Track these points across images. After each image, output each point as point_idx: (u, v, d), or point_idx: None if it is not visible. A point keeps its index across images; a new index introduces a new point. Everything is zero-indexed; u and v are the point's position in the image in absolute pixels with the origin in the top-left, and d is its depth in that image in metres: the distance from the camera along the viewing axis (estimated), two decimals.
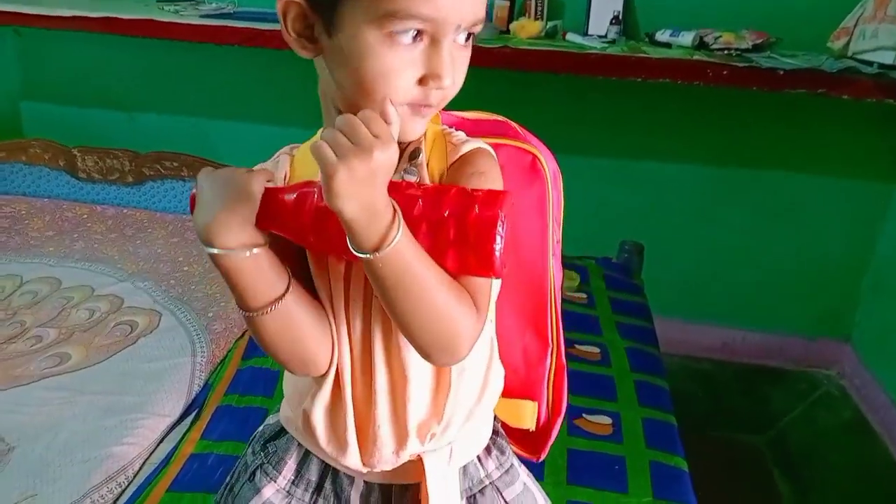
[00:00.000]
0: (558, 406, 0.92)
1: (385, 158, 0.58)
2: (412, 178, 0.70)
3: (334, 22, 0.64)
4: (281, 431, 0.84)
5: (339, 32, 0.64)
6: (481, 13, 0.66)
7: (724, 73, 1.98)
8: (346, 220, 0.58)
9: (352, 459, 0.75)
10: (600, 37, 2.22)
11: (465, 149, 0.71)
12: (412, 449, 0.74)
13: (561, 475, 1.31)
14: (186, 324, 1.74)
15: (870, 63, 1.99)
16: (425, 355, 0.68)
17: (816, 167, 2.39)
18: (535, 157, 0.82)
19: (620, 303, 1.92)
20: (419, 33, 0.63)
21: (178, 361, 1.60)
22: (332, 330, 0.72)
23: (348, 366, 0.72)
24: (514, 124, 0.85)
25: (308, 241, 0.66)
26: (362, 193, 0.57)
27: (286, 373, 0.81)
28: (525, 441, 0.93)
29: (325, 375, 0.73)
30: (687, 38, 2.14)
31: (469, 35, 0.67)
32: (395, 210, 0.60)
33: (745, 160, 2.42)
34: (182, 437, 1.40)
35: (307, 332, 0.70)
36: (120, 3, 2.38)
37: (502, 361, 0.83)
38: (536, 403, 0.90)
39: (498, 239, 0.61)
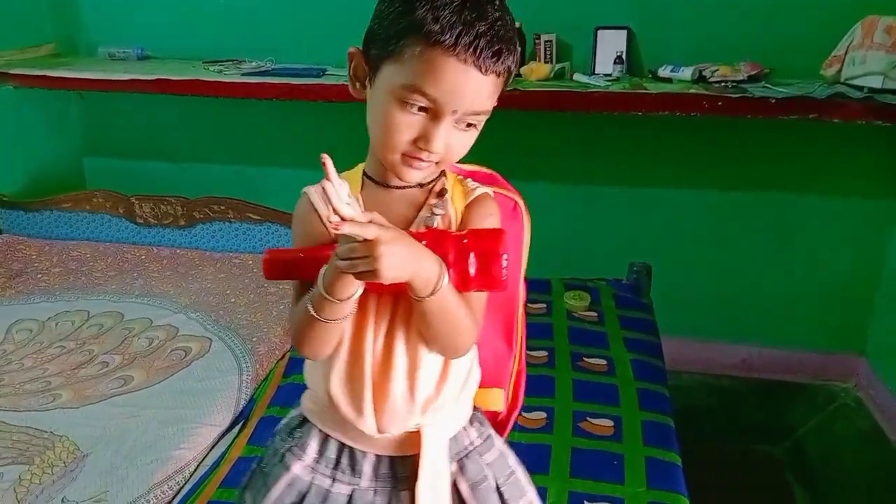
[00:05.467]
0: (515, 401, 1.16)
1: (387, 251, 0.74)
2: (440, 211, 0.90)
3: (374, 77, 0.86)
4: (304, 422, 1.02)
5: (374, 86, 0.86)
6: (480, 107, 0.83)
7: (719, 103, 2.12)
8: (407, 284, 0.79)
9: (367, 424, 0.93)
10: (606, 75, 2.38)
11: (477, 192, 0.94)
12: (416, 419, 0.94)
13: (565, 470, 1.46)
14: (234, 348, 1.94)
15: (860, 88, 2.11)
16: (442, 353, 0.90)
17: (817, 187, 2.49)
18: (516, 203, 1.05)
19: (629, 320, 2.05)
20: (424, 108, 0.83)
21: (227, 380, 1.80)
22: (351, 329, 0.90)
23: (370, 354, 0.91)
24: (499, 176, 1.07)
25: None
26: (401, 268, 0.76)
27: (307, 371, 1.00)
28: (494, 426, 1.12)
29: (336, 364, 0.92)
30: (687, 72, 2.29)
31: (470, 124, 0.85)
32: (440, 265, 0.80)
33: (748, 184, 2.53)
34: (231, 443, 1.59)
35: (335, 337, 0.89)
36: (170, 66, 2.59)
37: (479, 358, 1.04)
38: (503, 391, 1.13)
39: (504, 264, 0.84)
